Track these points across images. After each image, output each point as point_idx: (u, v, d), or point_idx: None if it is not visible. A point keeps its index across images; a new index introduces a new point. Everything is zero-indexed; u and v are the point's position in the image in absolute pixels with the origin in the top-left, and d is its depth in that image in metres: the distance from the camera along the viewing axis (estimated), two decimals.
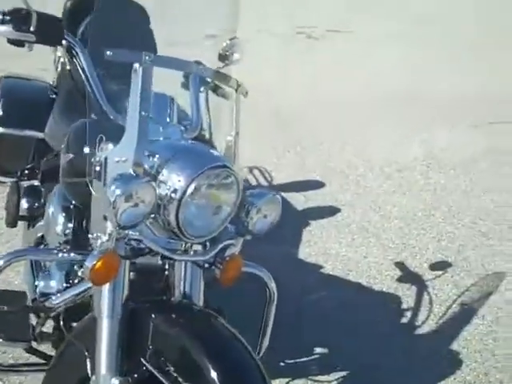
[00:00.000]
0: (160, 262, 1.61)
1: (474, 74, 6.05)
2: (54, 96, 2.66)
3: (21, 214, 2.40)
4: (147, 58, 1.44)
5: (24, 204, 2.42)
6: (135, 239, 1.45)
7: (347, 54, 6.56)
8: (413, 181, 4.13)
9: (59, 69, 2.74)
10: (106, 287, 1.47)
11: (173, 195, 1.41)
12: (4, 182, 2.72)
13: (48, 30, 1.48)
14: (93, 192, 1.49)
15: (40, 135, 2.49)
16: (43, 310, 1.83)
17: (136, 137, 1.43)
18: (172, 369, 1.41)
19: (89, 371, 1.52)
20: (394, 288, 2.95)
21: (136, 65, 1.43)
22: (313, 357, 2.41)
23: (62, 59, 2.72)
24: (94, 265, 1.37)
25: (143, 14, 2.35)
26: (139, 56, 1.43)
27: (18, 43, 1.51)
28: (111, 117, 1.54)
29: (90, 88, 1.53)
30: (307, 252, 3.17)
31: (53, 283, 1.97)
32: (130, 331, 1.49)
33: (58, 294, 1.86)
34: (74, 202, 1.87)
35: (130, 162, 1.42)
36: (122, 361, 1.48)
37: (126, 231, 1.41)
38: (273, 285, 1.87)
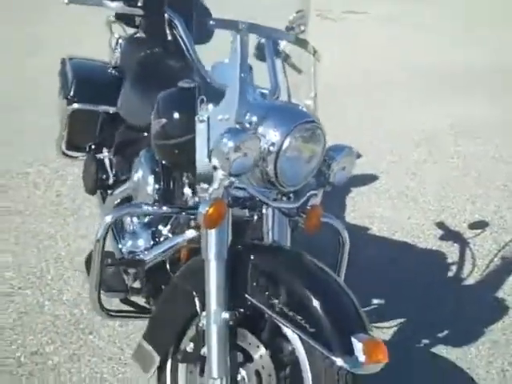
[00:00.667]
0: (248, 213, 1.80)
1: (484, 46, 6.26)
2: (115, 73, 2.85)
3: (99, 183, 2.61)
4: (243, 25, 1.62)
5: (103, 174, 2.63)
6: (240, 188, 1.64)
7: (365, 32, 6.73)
8: (443, 149, 4.31)
9: (120, 49, 2.93)
10: (213, 232, 1.66)
11: (271, 148, 1.59)
12: (75, 157, 2.92)
13: (153, 4, 1.66)
14: (197, 147, 1.68)
15: (111, 109, 2.69)
16: (137, 265, 2.03)
17: (237, 97, 1.61)
18: (276, 301, 1.59)
19: (198, 308, 1.72)
20: (438, 246, 3.13)
21: (234, 32, 1.62)
22: (371, 307, 2.61)
23: (121, 41, 2.92)
24: (207, 210, 1.57)
25: None
26: (236, 24, 1.62)
27: (126, 19, 1.71)
28: (208, 80, 1.71)
29: (190, 56, 1.70)
30: (352, 216, 3.36)
31: (140, 242, 2.17)
32: (234, 271, 1.68)
33: (146, 252, 2.07)
34: (162, 164, 2.07)
35: (233, 119, 1.61)
36: (229, 297, 1.66)
37: (234, 179, 1.60)
38: (346, 233, 2.06)
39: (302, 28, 2.05)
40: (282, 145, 1.60)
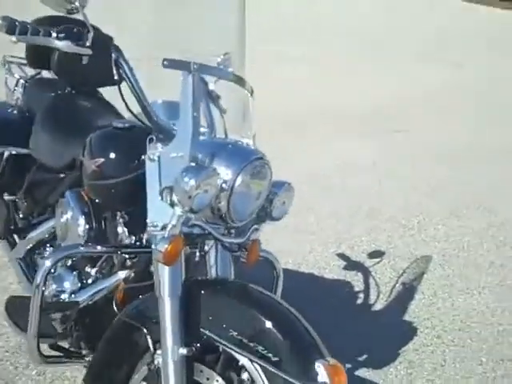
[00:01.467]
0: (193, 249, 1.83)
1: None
2: (19, 114, 2.77)
3: (11, 226, 2.51)
4: (195, 66, 1.68)
5: (14, 217, 2.53)
6: (195, 224, 1.67)
7: None
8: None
9: (24, 90, 2.85)
10: (167, 270, 1.67)
11: (223, 185, 1.65)
12: None
13: (100, 45, 1.67)
14: (148, 185, 1.69)
15: (20, 151, 2.60)
16: (71, 307, 1.99)
17: (190, 135, 1.66)
18: (234, 333, 1.62)
19: (150, 346, 1.71)
20: (343, 275, 3.30)
21: (186, 73, 1.67)
22: None
23: (22, 81, 2.85)
24: (167, 248, 1.58)
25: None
26: (188, 65, 1.67)
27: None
28: (156, 119, 1.73)
29: (137, 95, 1.72)
30: None
31: (66, 284, 2.12)
32: (188, 306, 1.69)
33: (74, 294, 2.04)
34: (93, 204, 2.04)
35: (187, 156, 1.65)
36: (184, 333, 1.67)
37: (192, 216, 1.63)
38: (279, 265, 2.14)
39: (230, 69, 2.14)
40: (235, 182, 1.65)
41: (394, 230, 3.92)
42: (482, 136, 5.90)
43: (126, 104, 1.74)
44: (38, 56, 2.81)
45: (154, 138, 1.71)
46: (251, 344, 1.60)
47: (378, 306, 3.03)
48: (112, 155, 1.91)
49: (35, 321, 1.83)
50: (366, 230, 3.88)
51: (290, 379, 1.54)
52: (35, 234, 2.44)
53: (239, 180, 1.66)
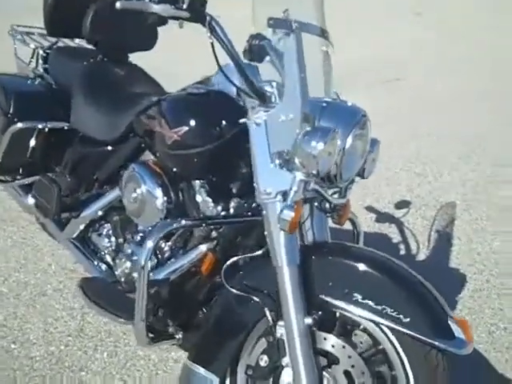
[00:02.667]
0: None
1: None
2: (48, 87, 2.62)
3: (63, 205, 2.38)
4: (296, 24, 1.58)
5: (66, 195, 2.40)
6: (313, 189, 1.60)
7: None
8: None
9: (50, 60, 2.70)
10: (283, 237, 1.60)
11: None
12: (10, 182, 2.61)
13: (196, 7, 1.56)
14: (254, 151, 1.61)
15: (61, 125, 2.46)
16: (161, 284, 1.91)
17: (299, 96, 1.57)
18: (359, 297, 1.58)
19: (269, 318, 1.65)
20: (377, 228, 3.29)
21: (287, 32, 1.58)
22: None
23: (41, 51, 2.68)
24: (293, 215, 1.52)
25: None
26: (290, 23, 1.58)
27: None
28: (255, 83, 1.64)
29: (234, 58, 1.62)
30: None
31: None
32: (306, 274, 1.63)
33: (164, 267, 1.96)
34: (168, 175, 1.95)
35: (298, 119, 1.57)
36: (306, 301, 1.62)
37: (311, 180, 1.56)
38: (359, 222, 2.15)
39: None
40: (347, 141, 1.60)
41: (410, 179, 3.93)
42: None
43: (218, 63, 1.63)
44: (60, 24, 2.67)
45: (256, 102, 1.62)
46: (379, 307, 1.56)
47: (420, 256, 3.03)
48: (196, 123, 1.82)
49: (143, 303, 1.75)
50: (384, 181, 3.86)
51: (427, 339, 1.51)
52: (90, 212, 2.32)
53: (350, 139, 1.60)
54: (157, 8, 1.54)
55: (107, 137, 2.27)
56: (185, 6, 1.54)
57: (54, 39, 2.88)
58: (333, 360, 1.64)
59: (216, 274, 1.89)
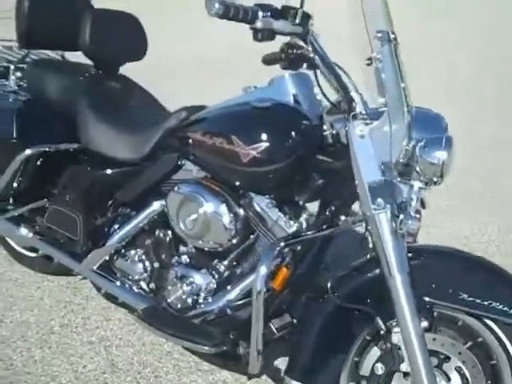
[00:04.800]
0: None
1: None
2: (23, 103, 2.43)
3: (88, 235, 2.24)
4: (392, 35, 1.61)
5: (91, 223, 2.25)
6: None
7: None
8: None
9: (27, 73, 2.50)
10: (392, 246, 1.61)
11: None
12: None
13: (306, 23, 1.55)
14: (360, 163, 1.62)
15: (72, 147, 2.29)
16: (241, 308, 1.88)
17: (404, 106, 1.60)
18: (465, 295, 1.65)
19: (382, 326, 1.68)
20: None
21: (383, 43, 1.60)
22: None
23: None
24: (416, 225, 1.56)
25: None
26: (387, 35, 1.60)
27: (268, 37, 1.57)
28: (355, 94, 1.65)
29: (332, 71, 1.62)
30: None
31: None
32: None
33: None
34: (228, 191, 1.92)
35: (404, 128, 1.59)
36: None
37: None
38: None
39: None
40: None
41: None
42: None
43: (316, 76, 1.64)
44: (35, 36, 2.48)
45: (362, 112, 1.63)
46: (485, 302, 1.64)
47: None
48: (275, 138, 1.78)
49: (259, 330, 1.70)
50: None
51: None
52: (117, 239, 2.20)
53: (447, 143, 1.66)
54: (279, 25, 1.51)
55: (132, 156, 2.17)
56: (297, 21, 1.53)
57: (17, 52, 2.70)
58: (443, 358, 1.70)
59: (287, 287, 1.89)
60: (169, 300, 2.05)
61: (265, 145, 1.77)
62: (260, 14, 1.54)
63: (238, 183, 1.89)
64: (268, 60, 1.77)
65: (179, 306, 2.03)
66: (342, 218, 1.86)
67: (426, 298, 1.67)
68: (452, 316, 1.71)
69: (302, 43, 1.62)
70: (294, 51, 1.68)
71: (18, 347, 2.36)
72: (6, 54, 2.73)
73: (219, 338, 1.89)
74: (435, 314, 1.71)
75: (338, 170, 1.79)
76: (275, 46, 1.70)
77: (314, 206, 1.91)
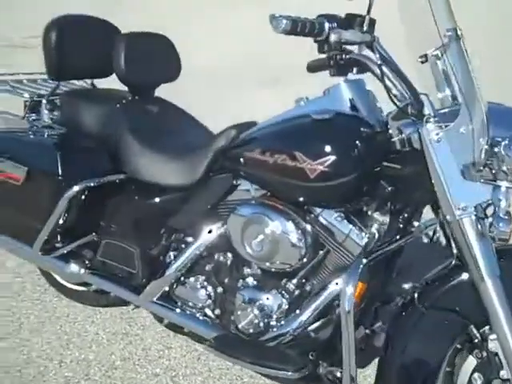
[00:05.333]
0: None
1: None
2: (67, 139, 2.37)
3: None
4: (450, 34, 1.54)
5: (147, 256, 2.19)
6: None
7: None
8: None
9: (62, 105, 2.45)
10: (480, 249, 1.56)
11: None
12: None
13: (372, 30, 1.51)
14: (439, 168, 1.55)
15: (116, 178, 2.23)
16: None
17: (481, 103, 1.53)
18: None
19: (476, 334, 1.61)
20: None
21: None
22: None
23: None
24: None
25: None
26: (455, 32, 1.54)
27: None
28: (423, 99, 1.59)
29: (401, 76, 1.57)
30: None
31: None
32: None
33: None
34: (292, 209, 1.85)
35: (481, 128, 1.54)
36: None
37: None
38: None
39: None
40: None
41: None
42: None
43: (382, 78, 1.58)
44: (65, 67, 2.42)
45: (431, 116, 1.57)
46: None
47: None
48: (342, 151, 1.71)
49: (351, 355, 1.63)
50: None
51: None
52: (176, 268, 2.12)
53: None
54: (347, 35, 1.44)
55: (183, 181, 2.10)
56: (365, 29, 1.47)
57: (43, 85, 2.66)
58: None
59: (363, 301, 1.83)
60: (239, 325, 1.98)
61: (332, 158, 1.70)
62: (326, 25, 1.48)
63: (303, 199, 1.82)
64: (313, 67, 1.71)
65: (251, 330, 1.96)
66: (415, 224, 1.80)
67: None
68: None
69: (368, 51, 1.56)
70: (344, 56, 1.62)
71: None
72: (32, 88, 2.67)
73: (300, 360, 1.83)
74: None
75: (406, 176, 1.73)
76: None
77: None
